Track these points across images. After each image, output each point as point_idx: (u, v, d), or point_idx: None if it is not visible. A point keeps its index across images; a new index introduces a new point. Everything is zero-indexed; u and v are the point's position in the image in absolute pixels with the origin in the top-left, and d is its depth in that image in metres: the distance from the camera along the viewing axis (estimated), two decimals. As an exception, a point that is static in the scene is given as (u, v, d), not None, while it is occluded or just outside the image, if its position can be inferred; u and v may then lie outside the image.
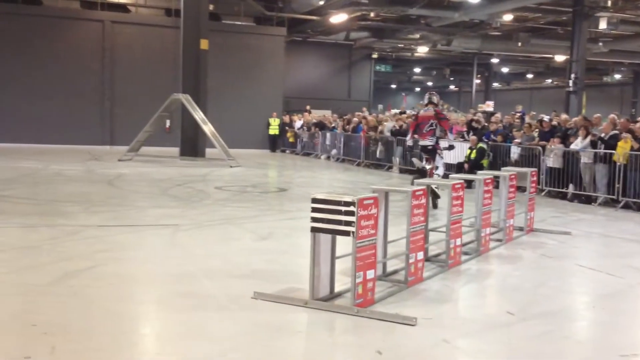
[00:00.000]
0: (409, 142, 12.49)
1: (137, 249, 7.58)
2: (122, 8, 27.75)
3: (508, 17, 26.93)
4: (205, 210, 10.73)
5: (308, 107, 29.37)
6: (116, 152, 21.95)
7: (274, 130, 27.73)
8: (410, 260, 6.07)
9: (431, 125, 11.00)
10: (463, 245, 7.29)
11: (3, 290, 5.59)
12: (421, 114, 11.27)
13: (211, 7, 24.32)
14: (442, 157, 11.53)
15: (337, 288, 5.60)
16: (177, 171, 17.32)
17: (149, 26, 26.86)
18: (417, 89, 59.92)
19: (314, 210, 5.33)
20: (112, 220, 9.41)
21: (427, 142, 11.06)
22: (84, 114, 25.70)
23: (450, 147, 12.90)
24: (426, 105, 11.27)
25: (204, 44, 21.81)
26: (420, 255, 6.24)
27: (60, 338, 4.42)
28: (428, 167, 11.17)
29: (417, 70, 48.95)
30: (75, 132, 25.23)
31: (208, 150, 21.76)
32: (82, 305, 5.23)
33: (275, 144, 27.95)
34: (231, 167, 19.11)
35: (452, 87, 57.50)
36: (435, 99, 11.23)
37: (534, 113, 21.67)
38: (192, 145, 21.77)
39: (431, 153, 11.14)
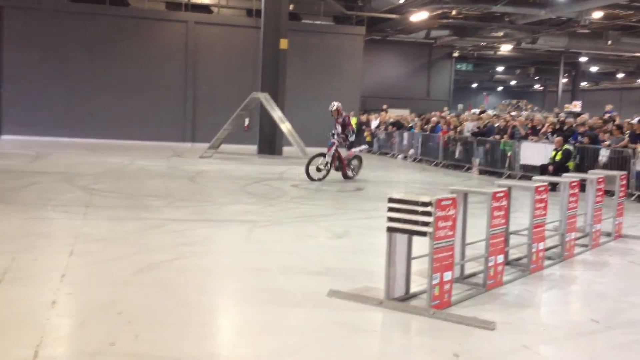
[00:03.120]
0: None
1: (217, 244, 7.74)
2: (205, 9, 28.43)
3: (597, 15, 25.90)
4: (282, 207, 10.84)
5: (385, 107, 29.22)
6: (197, 149, 22.51)
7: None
8: (490, 264, 5.92)
9: None
10: (546, 249, 7.06)
11: (91, 280, 5.82)
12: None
13: (291, 7, 24.61)
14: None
15: (413, 289, 5.54)
16: (255, 169, 17.58)
17: (231, 26, 27.41)
18: (500, 89, 58.58)
19: (391, 210, 5.29)
20: (193, 215, 9.65)
21: None
22: (167, 111, 26.52)
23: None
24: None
25: (284, 44, 22.06)
26: (501, 258, 6.08)
27: (143, 327, 4.57)
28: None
29: (500, 69, 47.85)
30: (159, 129, 26.09)
31: (285, 149, 22.01)
32: (165, 296, 5.38)
33: (352, 143, 27.91)
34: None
35: (536, 86, 55.89)
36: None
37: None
38: (270, 143, 22.08)
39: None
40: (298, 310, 5.15)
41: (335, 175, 15.39)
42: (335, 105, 15.53)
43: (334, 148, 15.08)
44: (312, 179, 14.49)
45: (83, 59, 25.51)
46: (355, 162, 15.96)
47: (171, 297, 5.37)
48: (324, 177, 14.83)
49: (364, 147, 16.33)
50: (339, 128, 15.43)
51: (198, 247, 7.41)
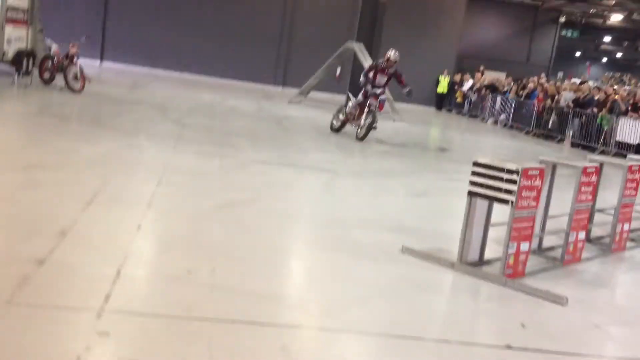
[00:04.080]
0: None
1: (297, 189, 7.89)
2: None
3: None
4: (364, 160, 10.87)
5: (481, 68, 28.39)
6: (287, 94, 22.72)
7: (442, 88, 27.20)
8: (570, 239, 5.78)
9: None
10: (631, 231, 6.81)
11: (175, 210, 6.08)
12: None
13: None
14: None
15: (487, 255, 5.49)
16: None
17: (332, -27, 27.12)
18: (604, 60, 55.67)
19: (474, 174, 5.22)
20: (277, 158, 9.83)
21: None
22: (261, 54, 26.76)
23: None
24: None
25: (384, -5, 21.70)
26: (582, 235, 5.92)
27: (220, 260, 4.75)
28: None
29: (607, 39, 45.37)
30: (252, 71, 26.42)
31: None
32: (242, 234, 5.55)
33: (441, 102, 27.45)
34: (394, 121, 19.08)
35: (643, 60, 52.75)
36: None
37: None
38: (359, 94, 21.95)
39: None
40: (369, 263, 5.22)
41: (417, 134, 15.19)
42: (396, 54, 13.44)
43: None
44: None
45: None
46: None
47: (250, 235, 5.54)
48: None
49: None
50: (382, 80, 13.25)
51: (279, 190, 7.58)
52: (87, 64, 16.35)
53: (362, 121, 12.89)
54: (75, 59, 14.12)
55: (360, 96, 13.27)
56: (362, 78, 13.39)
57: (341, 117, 13.64)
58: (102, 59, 25.91)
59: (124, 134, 9.90)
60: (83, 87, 14.14)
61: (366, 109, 12.90)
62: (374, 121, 12.92)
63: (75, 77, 14.08)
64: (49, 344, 3.12)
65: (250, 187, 7.47)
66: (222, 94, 19.81)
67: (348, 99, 14.16)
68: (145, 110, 13.29)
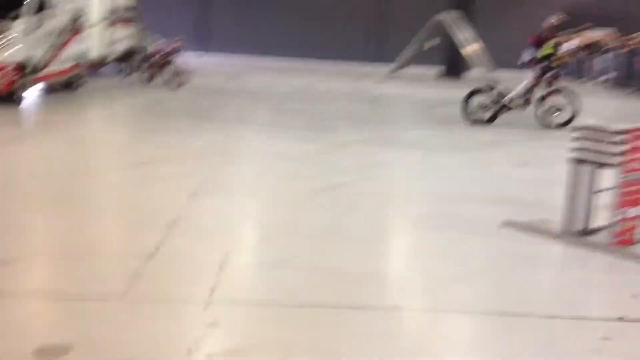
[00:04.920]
0: None
1: (398, 167, 7.91)
2: None
3: None
4: (462, 133, 10.69)
5: (589, 25, 26.70)
6: (381, 72, 22.54)
7: (546, 51, 26.04)
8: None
9: None
10: None
11: (277, 196, 6.27)
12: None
13: None
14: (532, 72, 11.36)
15: (594, 224, 5.30)
16: (437, 92, 17.36)
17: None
18: None
19: (577, 139, 5.05)
20: (375, 138, 9.86)
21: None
22: (355, 32, 26.74)
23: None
24: None
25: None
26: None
27: (323, 244, 4.86)
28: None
29: None
30: (346, 50, 26.42)
31: (472, 71, 21.32)
32: (345, 215, 5.64)
33: (546, 66, 26.30)
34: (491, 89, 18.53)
35: None
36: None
37: None
38: (456, 65, 21.51)
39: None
40: (471, 238, 5.17)
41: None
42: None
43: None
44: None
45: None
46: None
47: (349, 217, 5.62)
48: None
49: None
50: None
51: (378, 170, 7.62)
52: (191, 56, 16.85)
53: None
54: (174, 55, 14.68)
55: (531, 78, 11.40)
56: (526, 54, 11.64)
57: (491, 106, 11.48)
58: (207, 49, 26.66)
59: (225, 125, 10.24)
60: (183, 82, 14.68)
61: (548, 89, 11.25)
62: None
63: (176, 74, 14.65)
64: (160, 338, 3.27)
65: (349, 169, 7.56)
66: (317, 77, 19.99)
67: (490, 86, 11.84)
68: (242, 100, 13.66)
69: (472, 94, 11.65)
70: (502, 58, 22.01)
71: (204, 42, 26.76)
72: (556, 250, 4.98)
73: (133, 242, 4.71)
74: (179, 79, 14.62)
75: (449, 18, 20.41)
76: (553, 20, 11.77)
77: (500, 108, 11.44)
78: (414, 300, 4.02)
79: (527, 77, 11.47)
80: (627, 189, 4.90)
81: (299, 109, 12.73)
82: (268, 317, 3.61)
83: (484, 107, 11.47)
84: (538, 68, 11.44)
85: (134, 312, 3.55)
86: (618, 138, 4.81)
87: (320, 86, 17.53)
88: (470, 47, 20.21)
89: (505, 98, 11.44)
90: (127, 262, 4.23)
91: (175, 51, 14.69)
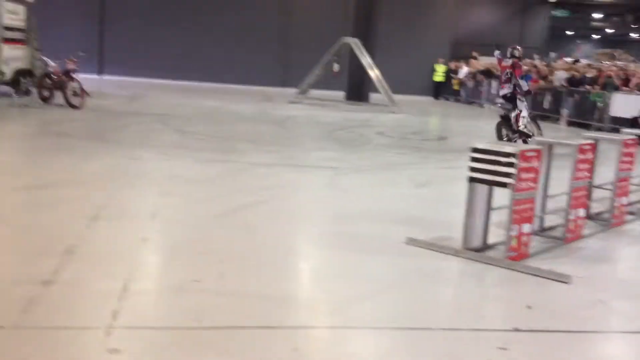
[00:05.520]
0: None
1: (301, 188, 7.98)
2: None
3: None
4: (365, 154, 10.96)
5: (474, 54, 28.39)
6: (287, 94, 22.77)
7: (438, 77, 27.24)
8: (570, 217, 5.87)
9: (507, 74, 11.91)
10: (629, 204, 6.88)
11: (180, 219, 6.16)
12: (502, 65, 12.08)
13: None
14: (522, 101, 11.98)
15: (491, 240, 5.57)
16: (341, 115, 17.71)
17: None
18: (595, 37, 55.50)
19: (473, 159, 5.31)
20: (280, 159, 9.92)
21: (505, 90, 11.92)
22: (259, 55, 26.88)
23: (527, 92, 12.57)
24: (509, 57, 11.99)
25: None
26: (582, 212, 6.01)
27: (228, 266, 4.82)
28: (513, 114, 11.88)
29: (597, 16, 45.23)
30: (251, 73, 26.52)
31: (372, 96, 21.95)
32: (249, 237, 5.62)
33: (439, 91, 27.50)
34: (394, 113, 19.17)
35: (634, 35, 52.51)
36: (517, 52, 12.04)
37: None
38: (358, 89, 22.06)
39: (511, 100, 11.89)
40: (375, 256, 5.29)
41: (416, 125, 15.26)
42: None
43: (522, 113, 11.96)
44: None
45: (182, 2, 26.12)
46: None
47: (255, 238, 5.62)
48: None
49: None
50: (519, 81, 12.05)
51: (283, 191, 7.67)
52: (87, 79, 16.47)
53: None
54: (73, 75, 14.24)
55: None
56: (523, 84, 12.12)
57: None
58: (101, 72, 26.05)
59: (126, 147, 10.01)
60: (83, 102, 14.26)
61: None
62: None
63: (75, 93, 14.20)
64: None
65: (255, 190, 7.56)
66: (222, 99, 19.91)
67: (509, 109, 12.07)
68: (146, 122, 13.40)
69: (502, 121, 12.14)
70: (398, 84, 22.86)
71: (102, 63, 26.11)
72: (456, 265, 5.19)
73: (29, 268, 4.48)
74: (78, 99, 14.17)
75: (352, 43, 20.95)
76: (515, 52, 12.15)
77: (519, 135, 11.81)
78: (322, 319, 4.06)
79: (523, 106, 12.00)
80: (519, 207, 5.19)
81: (204, 131, 12.63)
82: (173, 341, 3.54)
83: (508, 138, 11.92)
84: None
85: (31, 340, 3.39)
86: (509, 159, 5.09)
87: (226, 108, 17.47)
88: (372, 71, 20.82)
89: (520, 126, 11.86)
90: (23, 289, 4.03)
91: (72, 72, 14.23)
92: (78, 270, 4.50)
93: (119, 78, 25.07)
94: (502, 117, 12.24)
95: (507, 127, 12.10)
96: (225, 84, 25.73)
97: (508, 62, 11.93)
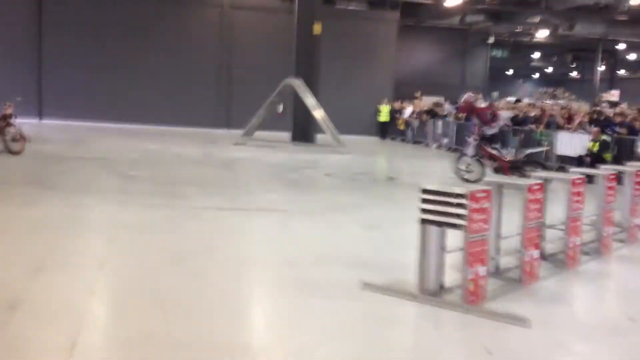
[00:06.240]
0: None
1: (250, 233, 7.80)
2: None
3: (637, 1, 25.28)
4: (314, 197, 10.87)
5: (418, 94, 28.94)
6: (231, 136, 22.63)
7: (383, 117, 27.57)
8: (525, 258, 5.87)
9: (491, 115, 13.05)
10: (583, 244, 6.95)
11: (128, 268, 5.92)
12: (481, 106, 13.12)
13: (325, -9, 24.51)
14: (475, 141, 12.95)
15: (447, 282, 5.50)
16: (288, 156, 17.64)
17: (265, 10, 27.39)
18: (536, 76, 57.58)
19: (424, 201, 5.27)
20: (227, 203, 9.73)
21: (494, 130, 12.93)
22: (202, 97, 26.72)
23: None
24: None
25: (317, 29, 21.97)
26: (536, 253, 6.02)
27: (179, 316, 4.64)
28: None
29: (536, 56, 47.03)
30: (194, 115, 26.28)
31: (318, 136, 22.00)
32: (199, 285, 5.44)
33: (384, 131, 27.80)
34: (341, 154, 19.22)
35: (574, 74, 54.79)
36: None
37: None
38: (304, 130, 22.07)
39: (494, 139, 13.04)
40: (330, 302, 5.17)
41: (364, 165, 15.26)
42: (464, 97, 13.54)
43: (471, 146, 12.98)
44: (465, 180, 12.53)
45: (119, 44, 25.80)
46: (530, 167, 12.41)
47: (205, 285, 5.44)
48: (477, 178, 12.07)
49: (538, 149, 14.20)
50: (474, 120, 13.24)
51: (231, 236, 7.48)
52: (26, 123, 15.99)
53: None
54: (11, 120, 13.79)
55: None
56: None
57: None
58: (40, 116, 25.40)
59: (68, 193, 9.65)
60: (23, 147, 13.80)
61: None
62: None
63: (14, 139, 13.74)
64: None
65: (203, 236, 7.36)
66: (165, 142, 19.59)
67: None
68: (88, 166, 13.03)
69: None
70: (344, 124, 23.04)
71: (41, 107, 25.48)
72: (413, 310, 5.09)
73: (-35, 327, 4.20)
74: (17, 145, 13.70)
75: (295, 84, 21.05)
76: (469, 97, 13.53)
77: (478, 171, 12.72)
78: (279, 372, 3.91)
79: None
80: (473, 249, 5.15)
81: (149, 176, 12.33)
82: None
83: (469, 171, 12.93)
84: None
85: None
86: (460, 200, 5.06)
87: (170, 151, 17.18)
88: (317, 112, 20.92)
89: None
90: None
91: (10, 117, 13.77)
92: (24, 326, 4.28)
93: (59, 122, 24.47)
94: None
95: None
96: (166, 125, 25.27)
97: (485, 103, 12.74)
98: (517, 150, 13.23)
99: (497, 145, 13.09)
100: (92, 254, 6.29)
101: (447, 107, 23.65)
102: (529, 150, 13.49)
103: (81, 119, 24.80)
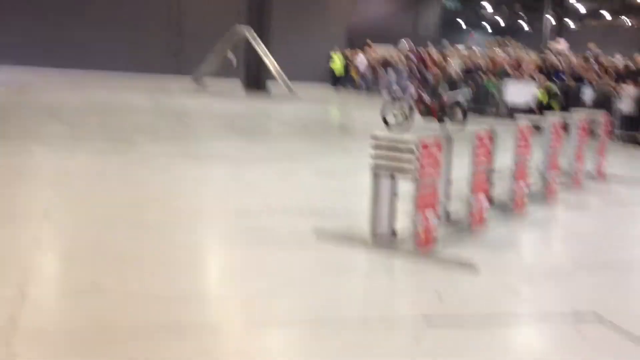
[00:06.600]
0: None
1: (201, 182, 7.72)
2: None
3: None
4: (267, 145, 10.80)
5: (368, 42, 28.67)
6: (181, 83, 22.16)
7: (337, 65, 27.38)
8: (473, 203, 5.97)
9: None
10: (529, 190, 7.10)
11: (75, 218, 5.80)
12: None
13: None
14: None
15: (398, 228, 5.57)
16: (240, 105, 17.42)
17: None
18: (487, 27, 57.81)
19: (375, 147, 5.28)
20: (178, 151, 9.57)
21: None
22: (153, 43, 25.99)
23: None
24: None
25: (270, -24, 21.53)
26: (484, 198, 6.13)
27: (129, 266, 4.59)
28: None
29: (487, 6, 47.15)
30: (145, 61, 25.56)
31: (271, 84, 21.75)
32: (150, 235, 5.38)
33: (337, 80, 27.66)
34: (294, 102, 19.08)
35: (523, 24, 55.20)
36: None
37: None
38: (255, 78, 21.79)
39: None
40: (283, 250, 5.18)
41: (317, 114, 15.20)
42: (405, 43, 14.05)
43: (409, 90, 13.35)
44: (388, 124, 12.93)
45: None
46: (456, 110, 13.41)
47: (156, 235, 5.38)
48: (403, 122, 13.02)
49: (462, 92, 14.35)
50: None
51: (183, 185, 7.39)
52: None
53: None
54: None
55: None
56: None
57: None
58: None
59: (11, 141, 9.34)
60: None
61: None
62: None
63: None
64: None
65: (153, 185, 7.25)
66: (113, 89, 19.08)
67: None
68: (32, 114, 12.60)
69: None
70: (296, 72, 22.82)
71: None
72: (364, 256, 5.15)
73: None
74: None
75: (246, 31, 20.66)
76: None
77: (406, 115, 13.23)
78: (231, 318, 3.92)
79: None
80: (422, 195, 5.21)
81: (96, 123, 12.01)
82: (76, 346, 3.33)
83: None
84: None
85: None
86: (410, 147, 5.09)
87: (118, 99, 16.73)
88: (268, 59, 20.64)
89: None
90: None
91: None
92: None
93: (4, 67, 23.45)
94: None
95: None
96: (115, 71, 24.56)
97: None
98: (443, 94, 13.48)
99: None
100: (37, 203, 6.13)
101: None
102: (455, 95, 13.88)
103: (28, 64, 23.77)
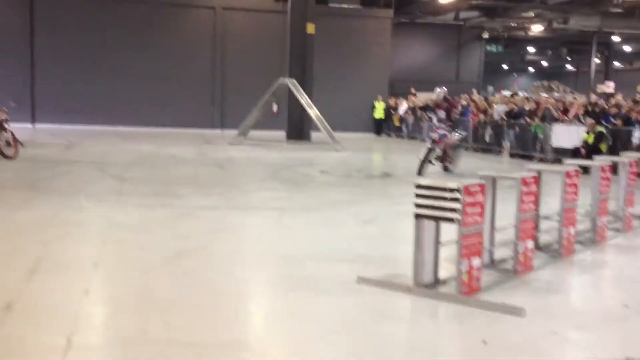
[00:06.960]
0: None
1: (246, 231, 7.79)
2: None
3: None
4: (310, 194, 10.86)
5: (413, 90, 28.89)
6: (226, 136, 22.62)
7: (379, 113, 27.57)
8: (519, 249, 5.87)
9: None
10: (577, 234, 6.95)
11: (123, 268, 5.91)
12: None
13: (318, -10, 24.46)
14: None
15: (442, 275, 5.50)
16: (283, 155, 17.63)
17: (258, 11, 27.37)
18: (531, 70, 57.59)
19: (418, 196, 5.27)
20: (222, 202, 9.72)
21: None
22: (196, 98, 26.69)
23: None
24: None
25: (311, 28, 21.99)
26: (530, 243, 6.02)
27: (174, 314, 4.63)
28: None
29: (531, 50, 47.02)
30: (188, 116, 26.27)
31: (314, 134, 22.00)
32: (195, 283, 5.43)
33: (380, 127, 27.80)
34: (336, 151, 19.21)
35: (569, 67, 54.80)
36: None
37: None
38: (298, 129, 22.09)
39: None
40: (326, 297, 5.17)
41: (360, 162, 15.20)
42: (442, 92, 14.07)
43: (445, 138, 13.35)
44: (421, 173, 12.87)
45: (114, 47, 25.71)
46: (453, 153, 13.94)
47: (201, 284, 5.43)
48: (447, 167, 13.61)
49: (461, 134, 14.63)
50: (442, 114, 13.73)
51: (227, 234, 7.47)
52: (19, 128, 15.97)
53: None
54: (5, 125, 13.77)
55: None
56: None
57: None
58: (34, 121, 25.33)
59: (63, 196, 9.64)
60: (17, 152, 13.80)
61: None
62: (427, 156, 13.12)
63: (8, 144, 13.72)
64: None
65: (199, 235, 7.35)
66: (160, 144, 19.57)
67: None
68: (82, 169, 13.01)
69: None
70: (339, 122, 23.05)
71: (34, 111, 25.40)
72: (409, 303, 5.09)
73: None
74: (11, 150, 13.68)
75: (289, 83, 21.05)
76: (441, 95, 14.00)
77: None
78: (274, 367, 3.90)
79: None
80: (467, 242, 5.15)
81: (144, 177, 12.32)
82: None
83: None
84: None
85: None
86: (454, 194, 5.06)
87: (165, 152, 17.15)
88: (311, 110, 20.93)
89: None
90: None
91: (3, 122, 13.74)
92: (20, 326, 4.27)
93: (52, 126, 24.40)
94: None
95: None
96: (160, 127, 25.27)
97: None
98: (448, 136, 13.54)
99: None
100: (87, 255, 6.28)
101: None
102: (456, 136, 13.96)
103: (74, 123, 24.74)
